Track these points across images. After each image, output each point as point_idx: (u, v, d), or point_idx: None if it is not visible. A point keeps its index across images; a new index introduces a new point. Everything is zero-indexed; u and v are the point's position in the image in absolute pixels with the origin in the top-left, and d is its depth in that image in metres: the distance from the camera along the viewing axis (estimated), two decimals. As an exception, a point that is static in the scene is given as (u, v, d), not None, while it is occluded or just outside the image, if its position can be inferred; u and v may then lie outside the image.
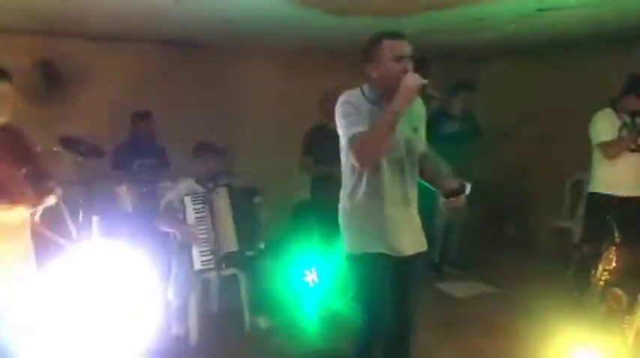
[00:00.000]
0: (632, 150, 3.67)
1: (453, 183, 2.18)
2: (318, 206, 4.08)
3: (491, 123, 5.33)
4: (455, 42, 5.09)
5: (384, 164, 2.26)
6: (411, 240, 2.37)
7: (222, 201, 3.49)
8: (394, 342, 2.45)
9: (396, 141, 2.25)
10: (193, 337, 3.46)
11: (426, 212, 4.99)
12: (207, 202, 3.48)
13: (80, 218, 4.11)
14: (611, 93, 3.86)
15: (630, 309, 2.94)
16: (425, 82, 2.08)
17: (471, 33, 4.50)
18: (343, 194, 2.42)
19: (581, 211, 4.72)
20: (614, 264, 3.09)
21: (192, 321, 3.46)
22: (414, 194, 2.38)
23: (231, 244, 3.42)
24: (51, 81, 4.71)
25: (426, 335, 3.61)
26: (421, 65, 2.22)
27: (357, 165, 2.23)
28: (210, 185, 3.60)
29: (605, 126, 3.77)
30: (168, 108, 5.03)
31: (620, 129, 3.67)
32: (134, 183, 4.34)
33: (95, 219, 4.01)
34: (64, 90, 4.76)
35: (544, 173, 5.56)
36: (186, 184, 3.59)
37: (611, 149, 3.70)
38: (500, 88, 6.04)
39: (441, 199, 2.20)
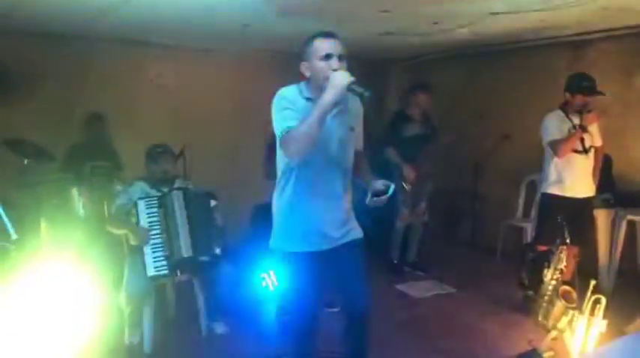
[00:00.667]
0: (579, 152, 3.76)
1: (379, 184, 2.28)
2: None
3: (447, 125, 5.41)
4: (412, 45, 5.14)
5: (318, 160, 2.32)
6: (340, 231, 2.45)
7: (177, 205, 3.40)
8: (350, 328, 2.54)
9: (330, 139, 2.33)
10: (148, 344, 3.37)
11: (385, 215, 5.07)
12: (161, 206, 3.39)
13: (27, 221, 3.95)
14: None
15: (580, 307, 3.01)
16: (351, 78, 2.15)
17: (427, 36, 4.55)
18: (275, 191, 2.48)
19: (534, 211, 4.83)
20: (564, 263, 3.16)
21: (147, 328, 3.36)
22: (346, 190, 2.46)
23: (185, 249, 3.34)
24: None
25: (387, 335, 3.64)
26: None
27: (287, 158, 2.30)
28: (165, 189, 3.51)
29: (553, 125, 3.83)
30: (120, 109, 4.92)
31: (569, 130, 3.76)
32: (86, 186, 4.21)
33: (44, 223, 3.92)
34: (12, 91, 4.58)
35: (499, 174, 5.68)
36: (140, 187, 3.50)
37: (559, 146, 3.76)
38: (455, 89, 6.15)
39: (368, 198, 2.30)
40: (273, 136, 3.95)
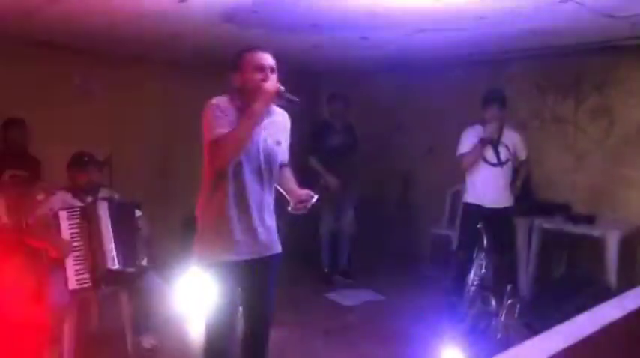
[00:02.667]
0: (493, 164, 3.99)
1: (302, 194, 2.41)
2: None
3: (368, 135, 5.58)
4: (342, 57, 5.25)
5: (243, 172, 2.38)
6: (263, 244, 2.49)
7: (103, 215, 3.30)
8: (250, 341, 2.61)
9: (256, 150, 2.40)
10: (68, 361, 3.23)
11: (309, 224, 5.13)
12: (84, 217, 3.28)
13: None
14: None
15: (498, 311, 3.18)
16: (281, 87, 2.31)
17: (357, 50, 4.68)
18: (200, 201, 2.50)
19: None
20: (483, 270, 3.33)
21: (68, 344, 3.22)
22: (269, 201, 2.52)
23: (110, 261, 3.24)
24: None
25: (315, 343, 3.68)
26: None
27: (214, 165, 2.35)
28: (89, 198, 3.40)
29: (465, 139, 4.07)
30: (43, 116, 4.71)
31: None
32: (3, 195, 3.99)
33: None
34: None
35: (427, 183, 5.89)
36: (61, 197, 3.37)
37: (463, 159, 4.03)
38: (378, 101, 6.34)
39: (290, 206, 2.43)
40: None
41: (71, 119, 5.04)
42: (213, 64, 5.39)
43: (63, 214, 3.25)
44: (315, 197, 2.42)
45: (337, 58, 5.28)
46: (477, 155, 3.96)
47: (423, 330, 3.89)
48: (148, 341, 3.50)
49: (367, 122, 5.90)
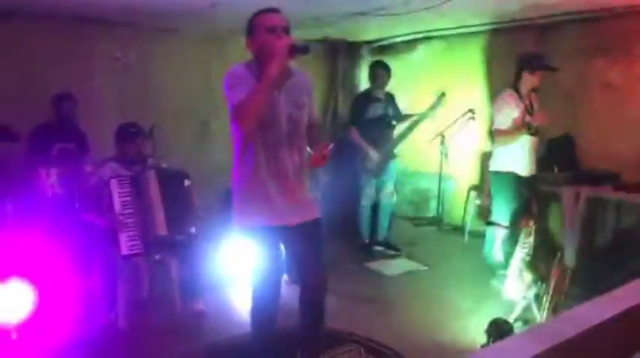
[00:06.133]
0: (532, 134, 3.95)
1: (319, 147, 2.41)
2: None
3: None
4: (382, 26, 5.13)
5: (270, 137, 2.39)
6: (297, 209, 2.50)
7: (152, 184, 3.37)
8: (306, 307, 2.62)
9: (280, 114, 2.39)
10: (122, 323, 3.34)
11: (351, 193, 5.12)
12: (134, 185, 3.35)
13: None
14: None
15: (547, 278, 3.14)
16: (291, 42, 2.25)
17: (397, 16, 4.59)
18: (234, 166, 2.53)
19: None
20: (532, 237, 3.28)
21: (121, 307, 3.34)
22: (300, 164, 2.51)
23: (160, 228, 3.32)
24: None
25: (360, 311, 3.72)
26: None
27: (240, 130, 2.35)
28: (138, 168, 3.47)
29: (504, 111, 3.95)
30: (84, 88, 4.81)
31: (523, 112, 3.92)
32: (54, 167, 4.11)
33: (10, 205, 3.81)
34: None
35: (464, 155, 5.80)
36: (111, 167, 3.44)
37: (502, 137, 3.95)
38: (420, 71, 6.26)
39: (310, 157, 2.44)
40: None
41: (112, 92, 5.14)
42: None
43: (114, 183, 3.33)
44: (331, 145, 2.42)
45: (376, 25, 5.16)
46: (517, 137, 3.91)
47: (466, 301, 3.89)
48: (196, 306, 3.59)
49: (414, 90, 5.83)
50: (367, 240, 5.12)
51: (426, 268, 4.69)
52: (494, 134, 3.98)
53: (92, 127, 4.68)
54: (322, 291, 2.61)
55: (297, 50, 2.24)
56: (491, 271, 4.25)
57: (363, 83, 6.74)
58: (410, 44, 6.37)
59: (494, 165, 4.14)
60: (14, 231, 3.72)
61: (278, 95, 2.37)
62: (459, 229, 5.81)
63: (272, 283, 2.58)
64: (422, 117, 4.86)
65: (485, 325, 2.99)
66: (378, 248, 5.15)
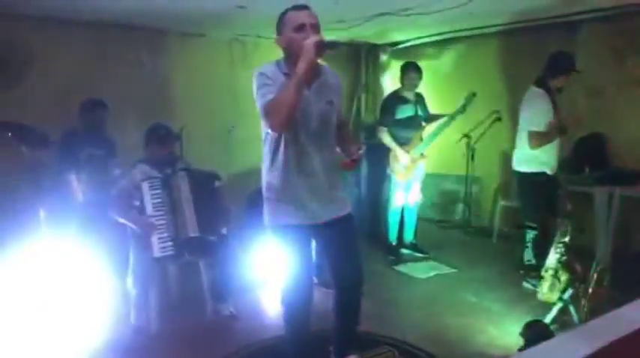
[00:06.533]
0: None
1: (352, 150, 2.45)
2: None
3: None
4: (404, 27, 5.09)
5: (300, 136, 2.37)
6: (328, 206, 2.49)
7: (183, 185, 3.37)
8: (341, 307, 2.60)
9: (310, 114, 2.36)
10: (154, 326, 3.34)
11: (380, 198, 5.07)
12: (165, 187, 3.36)
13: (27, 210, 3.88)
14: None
15: (585, 278, 3.07)
16: (319, 38, 2.20)
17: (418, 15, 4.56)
18: (262, 168, 2.53)
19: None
20: (568, 236, 3.21)
21: (153, 311, 3.34)
22: (330, 163, 2.49)
23: (192, 229, 3.31)
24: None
25: (392, 314, 3.67)
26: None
27: (270, 132, 2.34)
28: (168, 170, 3.48)
29: (539, 111, 3.91)
30: (110, 93, 4.85)
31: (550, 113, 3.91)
32: (84, 172, 4.14)
33: (42, 212, 3.84)
34: (5, 76, 4.48)
35: (491, 154, 5.73)
36: (141, 169, 3.45)
37: (538, 140, 3.89)
38: (446, 72, 6.21)
39: (340, 161, 2.44)
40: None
41: (138, 97, 5.18)
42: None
43: (145, 185, 3.33)
44: (363, 148, 2.42)
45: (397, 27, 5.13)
46: (554, 139, 3.91)
47: (498, 303, 3.83)
48: (226, 309, 3.58)
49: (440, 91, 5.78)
50: (394, 243, 5.07)
51: (455, 271, 4.62)
52: (530, 136, 3.90)
53: (118, 132, 4.71)
54: (358, 291, 2.57)
55: (325, 46, 2.21)
56: (522, 273, 4.19)
57: (386, 85, 6.71)
58: (432, 46, 6.33)
59: (524, 166, 4.08)
60: (47, 236, 3.75)
61: (308, 93, 2.35)
62: (485, 231, 5.73)
63: (304, 284, 2.55)
64: (452, 118, 4.81)
65: (520, 328, 2.93)
66: (405, 250, 5.10)
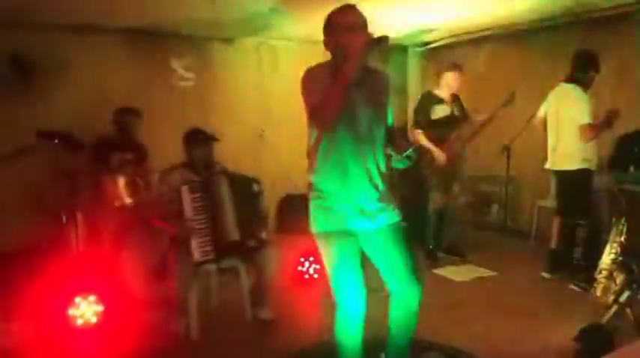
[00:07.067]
0: None
1: (404, 146, 2.38)
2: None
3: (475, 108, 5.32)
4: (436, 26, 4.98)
5: (349, 137, 2.29)
6: (381, 211, 2.39)
7: (223, 188, 3.32)
8: (396, 313, 2.49)
9: (358, 116, 2.29)
10: (194, 332, 3.29)
11: (417, 200, 4.98)
12: (205, 191, 3.31)
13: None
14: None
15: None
16: (369, 37, 2.15)
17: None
18: (309, 172, 2.43)
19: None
20: (624, 236, 3.07)
21: (193, 316, 3.28)
22: (378, 166, 2.39)
23: (232, 233, 3.25)
24: (22, 73, 4.45)
25: (434, 319, 3.55)
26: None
27: (317, 133, 2.27)
28: (206, 173, 3.43)
29: (586, 106, 3.87)
30: (143, 99, 4.86)
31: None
32: (119, 176, 4.13)
33: (80, 215, 3.84)
34: (36, 83, 4.51)
35: (526, 154, 5.58)
36: (180, 173, 3.41)
37: (592, 133, 3.83)
38: (478, 72, 6.08)
39: (393, 158, 2.37)
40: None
41: (170, 102, 5.19)
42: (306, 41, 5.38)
43: (184, 189, 3.29)
44: (416, 145, 2.37)
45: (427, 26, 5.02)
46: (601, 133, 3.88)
47: (546, 306, 3.70)
48: (265, 315, 3.51)
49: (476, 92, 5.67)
50: (431, 246, 4.96)
51: (495, 274, 4.49)
52: (585, 129, 3.84)
53: (151, 137, 4.71)
54: (415, 297, 2.44)
55: (374, 42, 2.14)
56: (568, 275, 4.05)
57: (413, 85, 6.63)
58: (462, 46, 6.21)
59: (569, 163, 3.98)
60: (84, 241, 3.74)
61: (357, 94, 2.27)
62: (522, 233, 5.59)
63: (354, 291, 2.43)
64: (490, 117, 4.70)
65: (572, 332, 2.81)
66: (441, 254, 4.99)
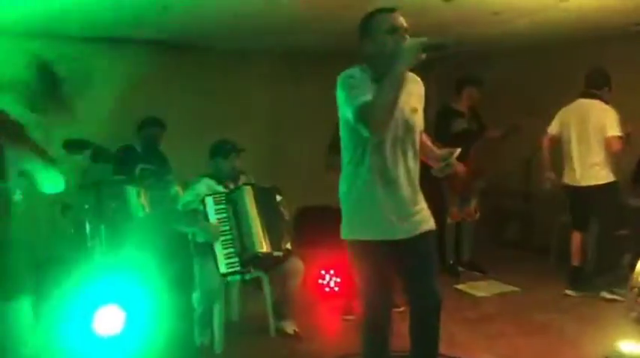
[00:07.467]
0: None
1: (443, 153, 2.37)
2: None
3: (496, 121, 5.29)
4: (468, 36, 4.96)
5: (385, 143, 2.23)
6: (411, 221, 2.32)
7: (248, 200, 3.32)
8: (419, 327, 2.42)
9: (396, 119, 2.22)
10: (218, 345, 3.26)
11: (435, 215, 4.94)
12: (230, 202, 3.31)
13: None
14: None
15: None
16: (423, 39, 2.07)
17: (486, 26, 4.44)
18: (343, 175, 2.38)
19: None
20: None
21: (217, 328, 3.26)
22: (415, 174, 2.35)
23: (260, 245, 3.23)
24: (49, 84, 4.50)
25: (459, 335, 3.51)
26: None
27: (367, 133, 2.16)
28: (232, 184, 3.44)
29: (614, 118, 3.95)
30: (166, 111, 4.89)
31: None
32: (142, 187, 4.14)
33: (103, 227, 3.83)
34: (63, 93, 4.56)
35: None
36: (206, 184, 3.42)
37: (623, 145, 3.91)
38: (499, 84, 6.04)
39: (433, 166, 2.34)
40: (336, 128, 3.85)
41: (193, 114, 5.22)
42: (340, 51, 5.34)
43: (209, 200, 3.29)
44: (458, 150, 2.31)
45: (462, 37, 4.98)
46: None
47: (573, 324, 3.64)
48: (290, 327, 3.48)
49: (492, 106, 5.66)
50: (451, 261, 4.91)
51: (518, 289, 4.44)
52: (617, 141, 3.92)
53: (169, 148, 4.73)
54: (437, 313, 2.39)
55: (431, 48, 2.07)
56: (593, 292, 4.01)
57: (433, 97, 6.60)
58: (484, 57, 6.18)
59: (604, 177, 4.01)
60: (108, 251, 3.73)
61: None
62: (542, 249, 5.52)
63: (384, 303, 2.41)
64: (507, 132, 4.68)
65: (600, 350, 2.76)
66: (461, 269, 4.94)
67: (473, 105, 4.86)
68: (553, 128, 4.32)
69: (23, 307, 1.96)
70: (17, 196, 1.95)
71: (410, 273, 2.40)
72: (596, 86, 4.08)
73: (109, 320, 3.30)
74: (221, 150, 3.43)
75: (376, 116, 2.09)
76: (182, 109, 5.19)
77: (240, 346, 3.34)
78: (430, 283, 2.38)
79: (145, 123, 4.49)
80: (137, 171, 4.41)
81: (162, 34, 4.68)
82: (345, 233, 2.38)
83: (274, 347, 3.36)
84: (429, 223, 2.39)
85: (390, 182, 2.27)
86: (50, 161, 2.03)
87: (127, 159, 4.45)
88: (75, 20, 3.99)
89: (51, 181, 2.05)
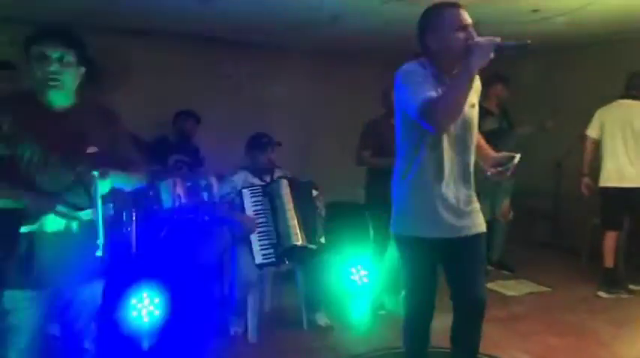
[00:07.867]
0: None
1: (500, 157, 2.28)
2: (374, 199, 3.77)
3: (526, 121, 5.23)
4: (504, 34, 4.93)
5: (442, 140, 2.18)
6: (463, 220, 2.26)
7: (284, 193, 3.35)
8: (461, 329, 2.39)
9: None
10: (252, 335, 3.31)
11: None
12: (266, 194, 3.35)
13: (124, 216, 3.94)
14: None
15: None
16: (497, 39, 2.01)
17: (522, 25, 4.40)
18: (397, 171, 2.33)
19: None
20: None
21: (252, 319, 3.31)
22: (470, 174, 2.30)
23: (295, 237, 3.27)
24: (91, 74, 4.58)
25: (491, 333, 3.48)
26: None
27: (431, 130, 2.11)
28: (268, 177, 3.47)
29: None
30: (198, 104, 4.95)
31: None
32: (176, 177, 4.19)
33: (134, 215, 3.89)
34: (100, 85, 4.63)
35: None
36: (243, 176, 3.46)
37: None
38: (528, 85, 5.99)
39: (489, 171, 2.27)
40: (368, 125, 3.85)
41: (224, 108, 5.27)
42: (370, 50, 5.35)
43: (246, 192, 3.33)
44: (517, 156, 2.22)
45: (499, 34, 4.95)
46: None
47: (606, 325, 3.61)
48: (322, 319, 3.51)
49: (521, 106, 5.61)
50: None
51: (548, 290, 4.41)
52: None
53: (205, 142, 4.79)
54: (482, 317, 2.34)
55: (506, 49, 2.02)
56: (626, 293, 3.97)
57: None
58: (509, 56, 6.12)
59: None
60: (142, 241, 3.79)
61: None
62: (573, 250, 5.46)
63: (428, 301, 2.37)
64: (537, 131, 4.64)
65: (634, 353, 2.73)
66: (490, 268, 4.91)
67: (502, 104, 4.82)
68: (593, 131, 4.30)
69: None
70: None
71: (459, 274, 2.35)
72: (636, 88, 4.20)
73: (143, 309, 3.37)
74: (258, 143, 3.48)
75: (444, 113, 2.05)
76: (216, 102, 5.24)
77: (273, 337, 3.38)
78: (478, 286, 2.34)
79: (179, 115, 4.55)
80: (171, 161, 4.49)
81: (199, 28, 4.73)
82: (397, 228, 2.35)
83: (307, 340, 3.38)
84: (483, 225, 2.34)
85: (444, 179, 2.21)
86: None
87: (162, 149, 4.53)
88: (114, 12, 4.06)
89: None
